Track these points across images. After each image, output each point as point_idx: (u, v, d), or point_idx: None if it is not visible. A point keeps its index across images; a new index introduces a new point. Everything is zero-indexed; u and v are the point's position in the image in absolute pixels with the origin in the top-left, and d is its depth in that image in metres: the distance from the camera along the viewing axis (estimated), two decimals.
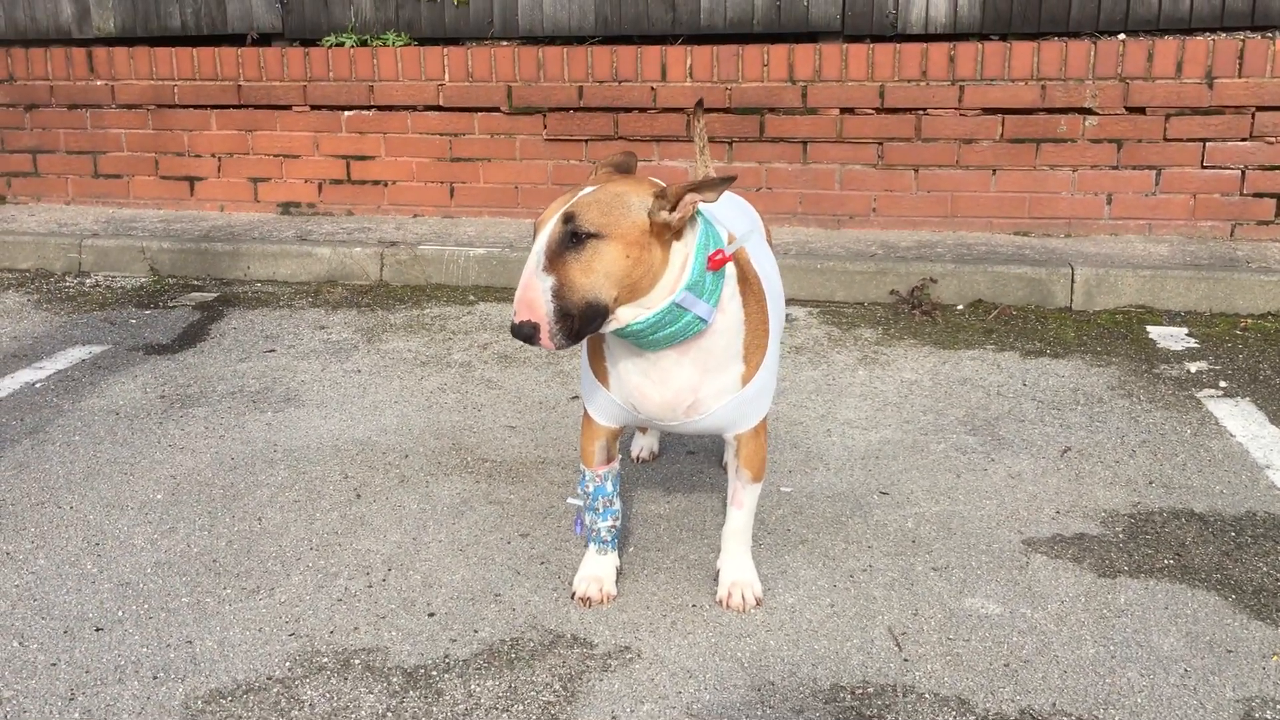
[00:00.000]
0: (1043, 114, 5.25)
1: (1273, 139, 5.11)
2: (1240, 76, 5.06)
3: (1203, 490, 2.96)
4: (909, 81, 5.29)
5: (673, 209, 2.03)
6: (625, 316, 2.05)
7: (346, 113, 5.84)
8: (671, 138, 5.57)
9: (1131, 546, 2.66)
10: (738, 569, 2.44)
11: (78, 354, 4.14)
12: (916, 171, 5.40)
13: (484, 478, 3.08)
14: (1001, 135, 5.29)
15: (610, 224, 1.99)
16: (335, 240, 5.29)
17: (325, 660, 2.24)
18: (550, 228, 1.99)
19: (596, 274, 1.98)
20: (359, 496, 2.97)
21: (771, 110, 5.45)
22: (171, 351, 4.19)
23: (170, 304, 4.83)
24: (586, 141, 5.66)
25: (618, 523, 2.44)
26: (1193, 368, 3.90)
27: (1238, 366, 3.91)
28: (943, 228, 5.43)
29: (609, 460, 2.41)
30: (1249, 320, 4.43)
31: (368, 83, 5.75)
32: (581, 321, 1.99)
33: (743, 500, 2.41)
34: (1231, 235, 5.23)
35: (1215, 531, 2.73)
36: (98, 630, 2.35)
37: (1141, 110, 5.17)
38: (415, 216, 5.86)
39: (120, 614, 2.41)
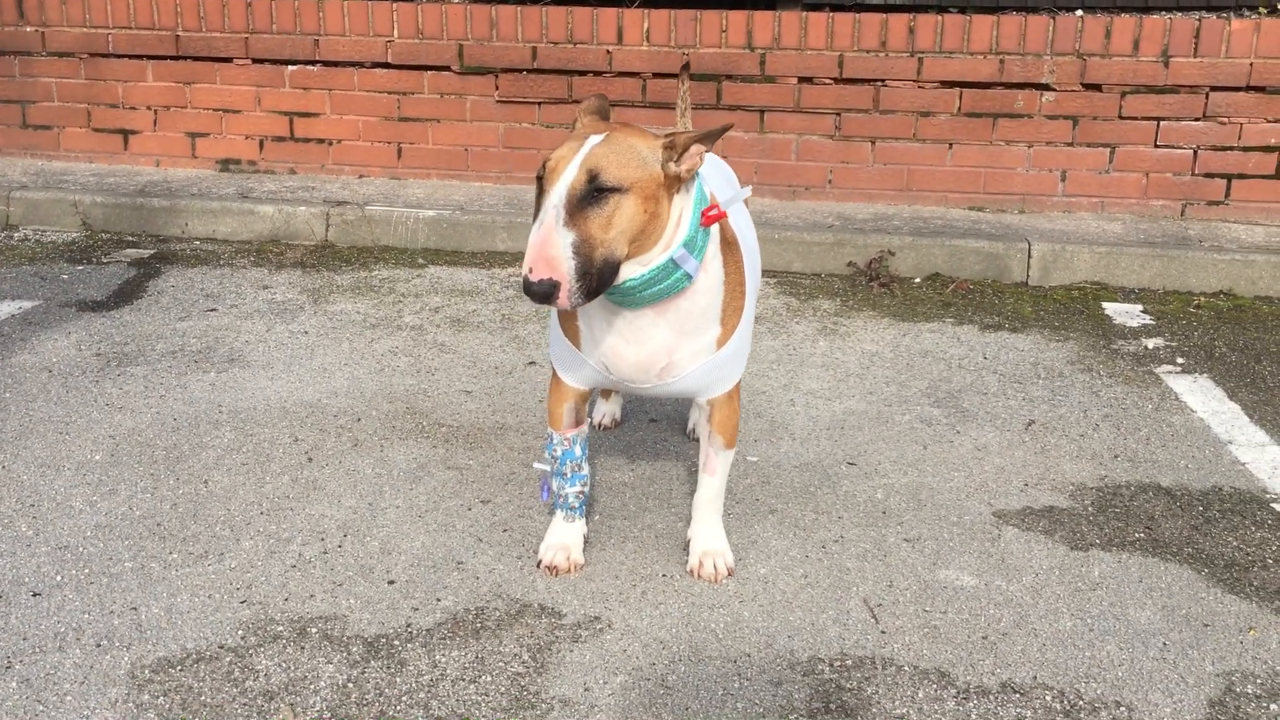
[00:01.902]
0: (1000, 88, 5.22)
1: (1225, 119, 5.14)
2: (1196, 56, 5.07)
3: (1168, 465, 2.95)
4: (868, 52, 5.24)
5: (679, 160, 1.96)
6: (625, 273, 1.97)
7: (290, 67, 5.64)
8: (627, 102, 5.46)
9: (1101, 520, 2.64)
10: (709, 538, 2.37)
11: (6, 309, 3.95)
12: (874, 143, 5.36)
13: (441, 443, 2.97)
14: (959, 109, 5.26)
15: (630, 177, 1.90)
16: (278, 199, 5.11)
17: (280, 629, 2.13)
18: (569, 180, 1.88)
19: (616, 229, 1.90)
20: (310, 460, 2.85)
21: (729, 77, 5.37)
22: (107, 309, 4.01)
23: (104, 260, 4.63)
24: (540, 104, 5.53)
25: (586, 489, 2.36)
26: (1150, 344, 3.91)
27: (1194, 344, 3.92)
28: (898, 200, 5.39)
29: (578, 423, 2.33)
30: (1202, 298, 4.45)
31: (313, 36, 5.57)
32: (599, 280, 1.89)
33: (715, 467, 2.34)
34: (1182, 214, 5.26)
35: (1183, 506, 2.71)
36: (35, 595, 2.22)
37: (1098, 87, 5.16)
38: (361, 177, 5.70)
39: (59, 579, 2.28)
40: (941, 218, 5.10)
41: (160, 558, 2.37)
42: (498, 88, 5.54)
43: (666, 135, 1.99)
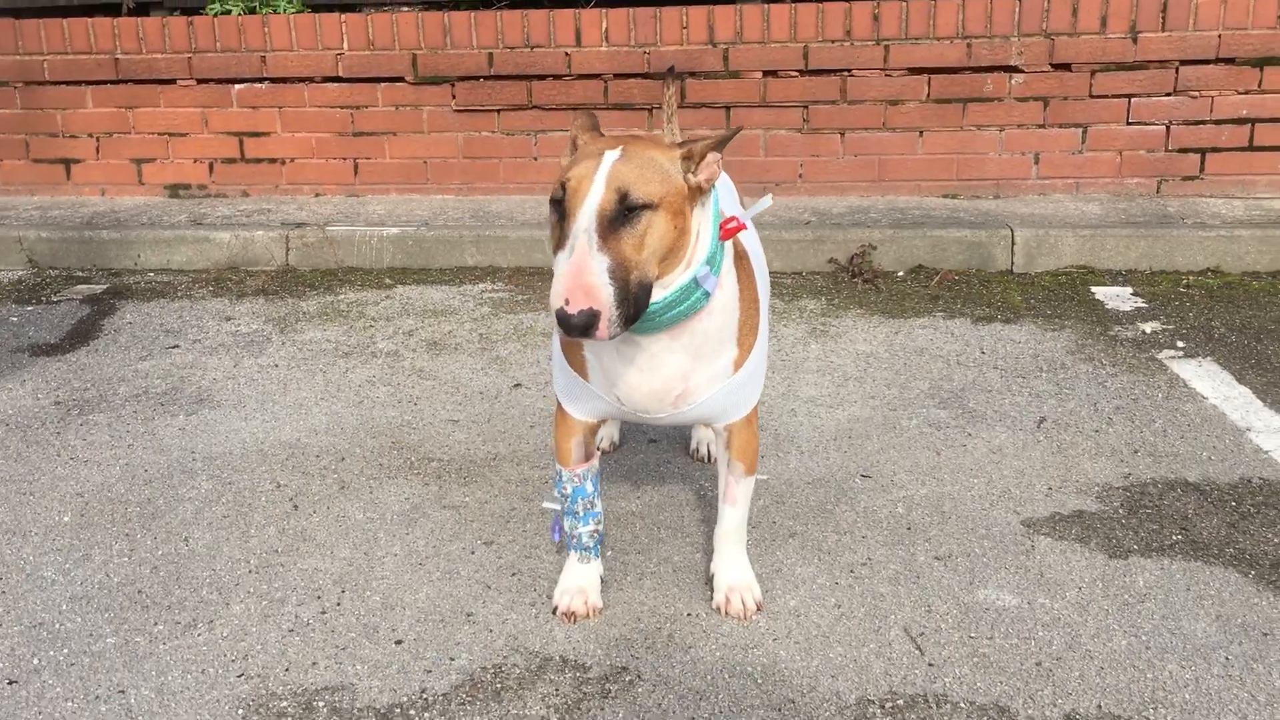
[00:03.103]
0: (969, 73, 5.13)
1: (1196, 93, 5.07)
2: (1164, 30, 5.00)
3: (1190, 457, 2.84)
4: (833, 42, 5.12)
5: (696, 170, 1.82)
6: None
7: (237, 86, 5.43)
8: (589, 105, 5.31)
9: (1134, 523, 2.53)
10: (734, 572, 2.23)
11: None
12: (843, 135, 5.24)
13: (433, 479, 2.81)
14: (928, 95, 5.16)
15: (658, 192, 1.76)
16: (234, 223, 4.91)
17: (284, 704, 1.96)
18: (597, 200, 1.73)
19: (648, 249, 1.75)
20: (296, 508, 2.67)
21: (692, 74, 5.23)
22: (62, 351, 3.80)
23: (55, 298, 4.41)
24: (499, 111, 5.36)
25: (600, 526, 2.21)
26: (1147, 328, 3.82)
27: (1191, 325, 3.83)
28: (871, 192, 5.28)
29: (588, 458, 2.17)
30: (1190, 277, 4.37)
31: (259, 53, 5.35)
32: (636, 306, 1.73)
33: (736, 496, 2.20)
34: (1158, 191, 5.19)
35: (1215, 502, 2.61)
36: (11, 684, 2.03)
37: (1067, 67, 5.08)
38: (317, 196, 5.50)
39: (36, 661, 2.09)
40: (918, 207, 5.00)
41: (145, 630, 2.19)
42: (454, 97, 5.36)
43: (681, 145, 1.85)
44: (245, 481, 2.81)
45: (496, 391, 3.38)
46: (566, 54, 5.25)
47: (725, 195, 2.34)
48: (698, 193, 1.84)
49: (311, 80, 5.38)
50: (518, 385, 3.42)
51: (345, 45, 5.32)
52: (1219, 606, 2.20)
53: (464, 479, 2.81)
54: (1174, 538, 2.46)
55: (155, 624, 2.21)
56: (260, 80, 5.40)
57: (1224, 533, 2.47)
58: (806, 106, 5.22)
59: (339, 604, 2.27)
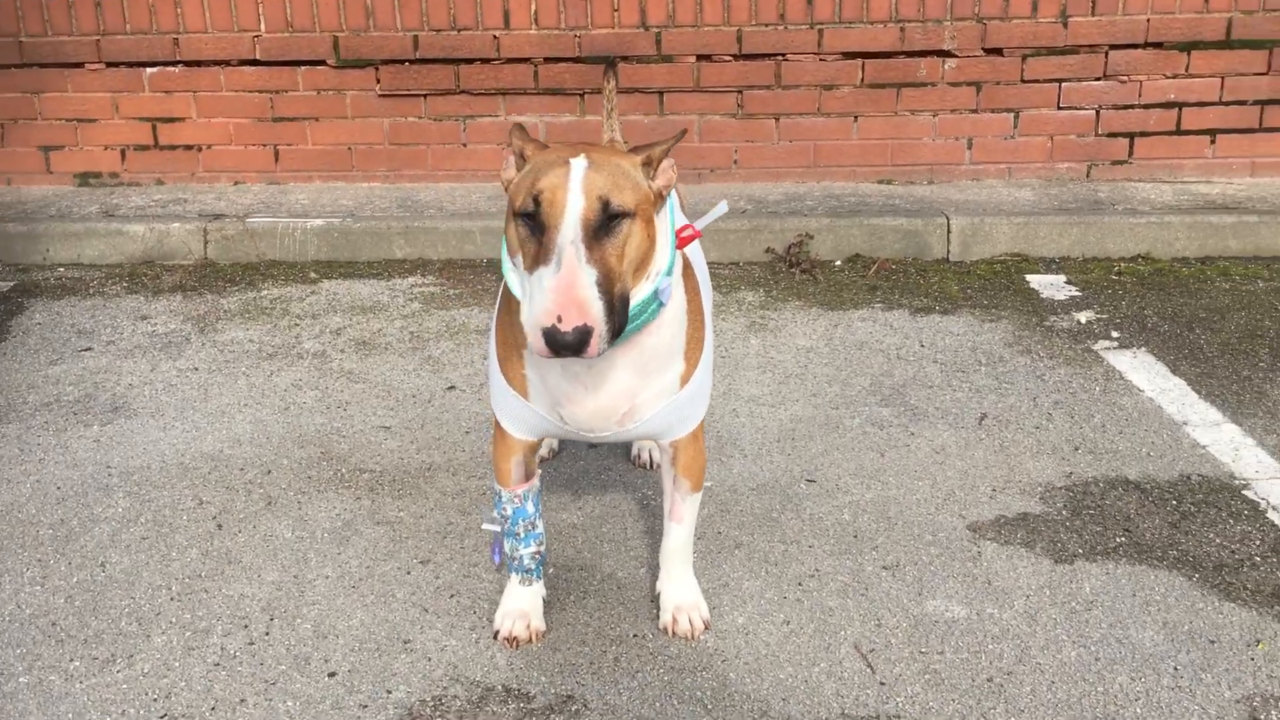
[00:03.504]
0: (902, 57, 5.09)
1: (1125, 78, 5.09)
2: (1094, 14, 5.00)
3: (1130, 454, 2.84)
4: (767, 25, 5.05)
5: (654, 177, 1.75)
6: None
7: (149, 70, 5.21)
8: (519, 90, 5.19)
9: (1078, 525, 2.51)
10: (681, 591, 2.16)
11: None
12: (778, 120, 5.18)
13: (365, 492, 2.71)
14: (862, 80, 5.12)
15: (632, 200, 1.69)
16: (148, 215, 4.72)
17: None
18: (579, 209, 1.64)
19: (628, 259, 1.69)
20: (220, 527, 2.56)
21: (625, 59, 5.12)
22: None
23: None
24: (425, 96, 5.22)
25: (543, 548, 2.13)
26: (1082, 318, 3.82)
27: (1124, 315, 3.84)
28: (807, 178, 5.24)
29: (528, 477, 2.09)
30: (1122, 264, 4.39)
31: (171, 35, 5.14)
32: (621, 319, 1.66)
33: (682, 514, 2.13)
34: (1088, 176, 5.21)
35: (1156, 501, 2.61)
36: None
37: (999, 51, 5.07)
38: (236, 184, 5.31)
39: None
40: (853, 193, 4.96)
41: (59, 667, 2.07)
42: (379, 81, 5.20)
43: (638, 150, 1.78)
44: (165, 498, 2.68)
45: (430, 394, 3.28)
46: (495, 37, 5.12)
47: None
48: (659, 199, 1.77)
49: (227, 63, 5.19)
50: (452, 388, 3.32)
51: (262, 27, 5.13)
52: (1165, 613, 2.18)
53: (398, 491, 2.71)
54: (1118, 540, 2.45)
55: (71, 660, 2.09)
56: (174, 63, 5.19)
57: (1166, 533, 2.47)
58: (741, 91, 5.15)
59: (267, 633, 2.16)
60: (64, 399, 3.27)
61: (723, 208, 1.97)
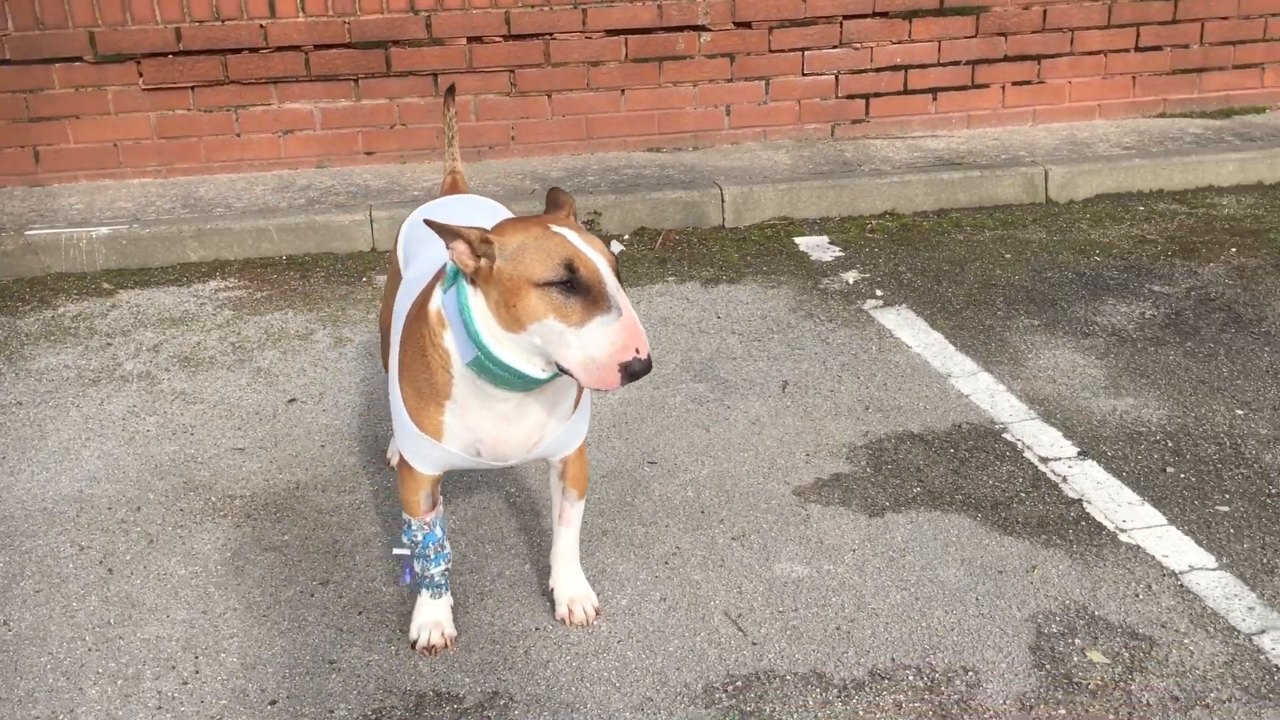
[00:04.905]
0: (662, 33, 5.43)
1: (859, 45, 5.63)
2: None
3: (910, 409, 3.34)
4: (533, 7, 5.26)
5: None
6: None
7: None
8: (291, 78, 5.20)
9: (881, 480, 2.98)
10: (572, 585, 2.48)
11: None
12: (550, 96, 5.44)
13: (242, 519, 2.86)
14: (626, 56, 5.43)
15: None
16: None
17: None
18: (610, 263, 1.96)
19: None
20: (110, 571, 2.66)
21: (396, 43, 5.23)
22: None
23: None
24: (193, 88, 5.15)
25: (450, 564, 2.39)
26: (849, 278, 4.32)
27: (883, 272, 4.37)
28: (581, 150, 5.53)
29: (434, 505, 2.34)
30: (873, 221, 4.94)
31: None
32: None
33: (571, 519, 2.44)
34: (832, 134, 5.75)
35: (938, 451, 3.11)
36: None
37: (748, 24, 5.49)
38: None
39: None
40: (627, 164, 5.30)
41: None
42: (141, 75, 5.10)
43: (554, 212, 2.07)
44: (43, 548, 2.75)
45: (272, 410, 3.41)
46: (261, 26, 5.10)
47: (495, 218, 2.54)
48: None
49: None
50: (293, 400, 3.47)
51: (10, 25, 4.91)
52: (961, 551, 2.68)
53: (274, 515, 2.88)
54: (914, 490, 2.93)
55: None
56: None
57: (951, 480, 2.97)
58: (513, 70, 5.36)
59: (197, 671, 2.33)
60: None
61: (617, 248, 2.29)
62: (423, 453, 2.23)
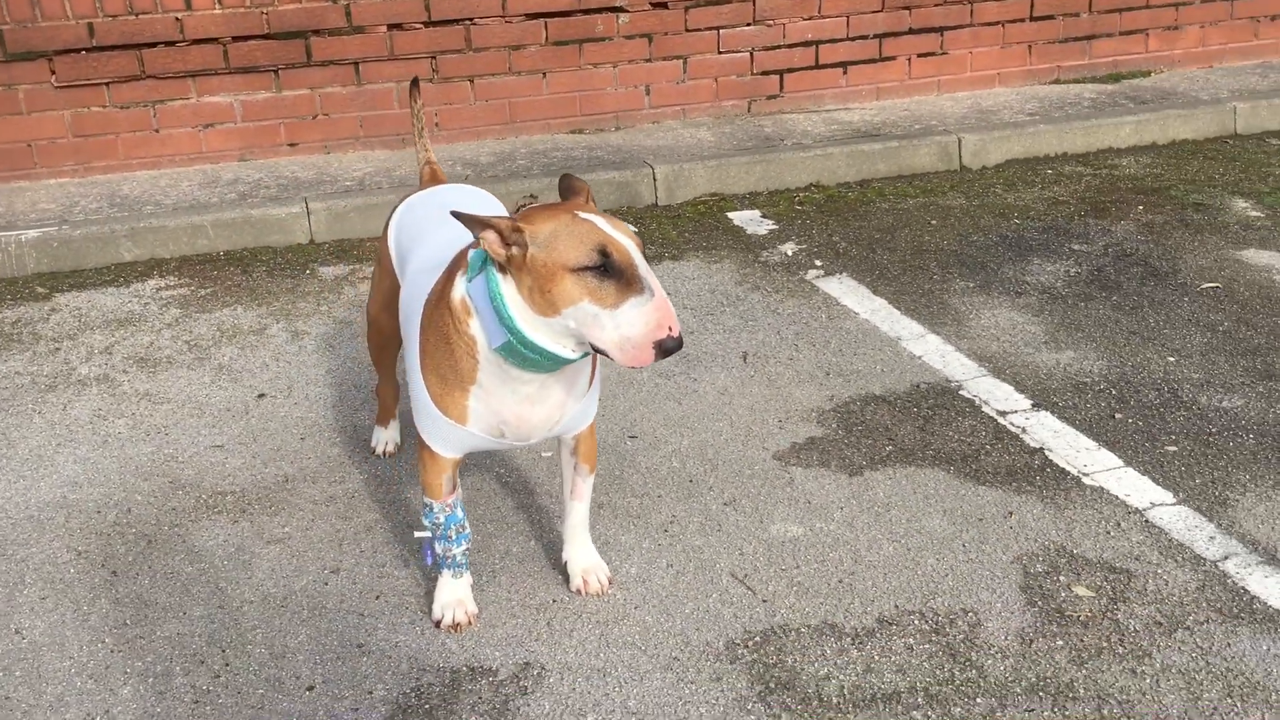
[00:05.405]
0: (580, 15, 5.50)
1: (771, 22, 5.77)
2: None
3: (869, 372, 3.50)
4: None
5: None
6: None
7: None
8: (209, 71, 5.13)
9: (854, 440, 3.14)
10: (585, 556, 2.57)
11: None
12: (472, 82, 5.46)
13: (239, 515, 2.87)
14: (547, 39, 5.48)
15: None
16: None
17: None
18: (639, 246, 2.03)
19: None
20: (115, 574, 2.66)
21: (316, 32, 5.19)
22: None
23: None
24: (108, 84, 5.04)
25: (470, 544, 2.46)
26: (788, 250, 4.47)
27: (819, 243, 4.54)
28: (506, 134, 5.57)
29: (455, 488, 2.41)
30: (801, 193, 5.10)
31: None
32: None
33: (583, 492, 2.53)
34: (749, 110, 5.90)
35: (903, 411, 3.28)
36: None
37: (665, 4, 5.59)
38: None
39: None
40: (553, 146, 5.36)
41: None
42: (54, 73, 4.96)
43: (571, 199, 2.15)
44: (39, 556, 2.73)
45: (243, 406, 3.41)
46: (177, 19, 5.02)
47: (487, 206, 2.62)
48: None
49: None
50: (262, 395, 3.47)
51: None
52: (941, 503, 2.85)
53: (269, 509, 2.90)
54: (887, 448, 3.10)
55: None
56: None
57: (919, 436, 3.14)
58: (435, 57, 5.37)
59: (227, 664, 2.36)
60: None
61: None
62: (446, 436, 2.29)
